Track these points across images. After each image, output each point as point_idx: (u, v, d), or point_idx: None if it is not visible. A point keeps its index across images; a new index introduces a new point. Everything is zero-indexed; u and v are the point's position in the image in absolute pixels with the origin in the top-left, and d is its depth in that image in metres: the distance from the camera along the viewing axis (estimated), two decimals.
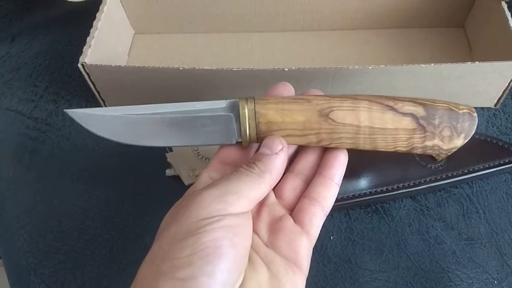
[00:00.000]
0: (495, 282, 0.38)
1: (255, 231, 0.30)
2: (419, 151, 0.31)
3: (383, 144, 0.31)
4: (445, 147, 0.31)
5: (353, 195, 0.41)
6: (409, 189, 0.41)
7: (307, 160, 0.32)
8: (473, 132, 0.31)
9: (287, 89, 0.33)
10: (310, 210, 0.30)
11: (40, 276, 0.41)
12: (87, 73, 0.45)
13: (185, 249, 0.24)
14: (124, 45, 0.55)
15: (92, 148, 0.48)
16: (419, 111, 0.30)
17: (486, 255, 0.39)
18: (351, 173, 0.41)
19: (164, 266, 0.24)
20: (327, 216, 0.42)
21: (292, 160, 0.33)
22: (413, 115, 0.30)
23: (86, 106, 0.51)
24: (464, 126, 0.31)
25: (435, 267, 0.39)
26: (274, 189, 0.32)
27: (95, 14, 0.48)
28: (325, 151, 0.32)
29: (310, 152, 0.33)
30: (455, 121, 0.31)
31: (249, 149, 0.33)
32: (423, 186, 0.41)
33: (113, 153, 0.47)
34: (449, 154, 0.32)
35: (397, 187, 0.41)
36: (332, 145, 0.31)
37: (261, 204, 0.31)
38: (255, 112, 0.30)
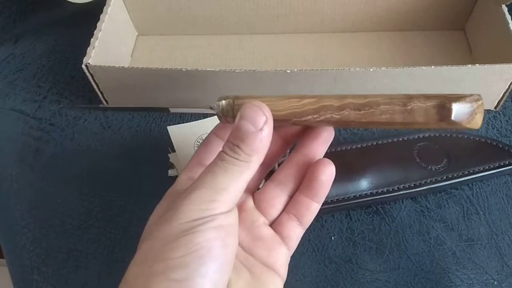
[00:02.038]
0: (495, 283, 0.38)
1: None
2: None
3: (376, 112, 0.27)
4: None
5: (354, 196, 0.41)
6: (410, 190, 0.41)
7: (289, 172, 0.31)
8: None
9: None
10: (289, 224, 0.30)
11: (43, 275, 0.41)
12: (91, 74, 0.45)
13: (178, 250, 0.24)
14: (128, 47, 0.55)
15: (95, 148, 0.48)
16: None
17: (486, 256, 0.39)
18: (352, 174, 0.42)
19: (157, 267, 0.24)
20: (328, 217, 0.42)
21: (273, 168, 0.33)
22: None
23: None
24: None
25: (435, 268, 0.39)
26: (253, 196, 0.31)
27: (99, 15, 0.48)
28: (309, 166, 0.30)
29: (292, 163, 0.31)
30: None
31: None
32: (424, 188, 0.41)
33: (116, 154, 0.47)
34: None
35: (397, 188, 0.41)
36: (317, 118, 0.28)
37: (240, 208, 0.31)
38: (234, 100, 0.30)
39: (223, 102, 0.30)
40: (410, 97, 0.27)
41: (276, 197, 0.31)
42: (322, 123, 0.28)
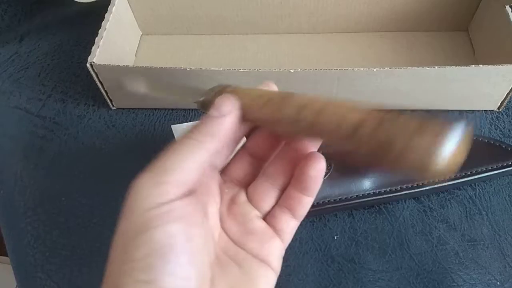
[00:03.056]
0: (498, 283, 0.38)
1: (225, 229, 0.28)
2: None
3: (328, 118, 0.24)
4: None
5: (356, 196, 0.41)
6: (413, 190, 0.41)
7: (279, 166, 0.30)
8: None
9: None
10: (282, 217, 0.29)
11: (47, 272, 0.42)
12: (95, 73, 0.45)
13: (140, 249, 0.23)
14: (132, 46, 0.55)
15: (99, 147, 0.48)
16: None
17: (489, 256, 0.39)
18: (355, 174, 0.42)
19: (125, 267, 0.23)
20: (331, 216, 0.42)
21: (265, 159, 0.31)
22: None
23: (93, 106, 0.51)
24: None
25: (438, 268, 0.39)
26: (246, 190, 0.30)
27: (103, 15, 0.48)
28: (301, 160, 0.28)
29: (283, 157, 0.30)
30: None
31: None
32: (427, 188, 0.41)
33: (119, 153, 0.47)
34: None
35: (400, 188, 0.41)
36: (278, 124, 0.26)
37: (232, 202, 0.30)
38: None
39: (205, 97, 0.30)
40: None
41: (267, 191, 0.30)
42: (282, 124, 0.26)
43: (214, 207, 0.28)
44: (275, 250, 0.28)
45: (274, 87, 0.30)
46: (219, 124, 0.26)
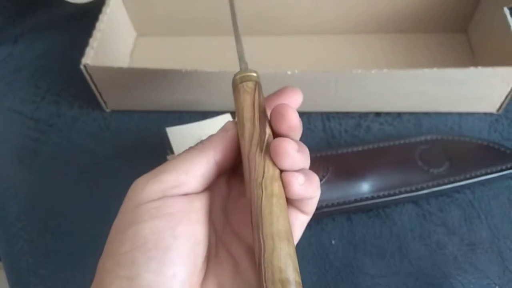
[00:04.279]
0: (497, 287, 0.38)
1: (231, 224, 0.27)
2: None
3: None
4: None
5: (354, 199, 0.41)
6: (411, 194, 0.41)
7: None
8: None
9: (296, 98, 0.29)
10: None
11: (40, 277, 0.41)
12: (89, 75, 0.45)
13: (125, 243, 0.23)
14: (127, 47, 0.55)
15: (93, 149, 0.47)
16: None
17: (488, 260, 0.39)
18: (353, 177, 0.41)
19: (108, 263, 0.23)
20: (329, 220, 0.42)
21: None
22: None
23: (87, 108, 0.51)
24: None
25: (436, 272, 0.39)
26: None
27: (98, 16, 0.48)
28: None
29: None
30: None
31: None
32: (425, 191, 0.41)
33: (114, 155, 0.47)
34: None
35: (399, 191, 0.41)
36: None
37: (239, 195, 0.28)
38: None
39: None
40: None
41: None
42: None
43: (218, 203, 0.28)
44: None
45: (299, 97, 0.30)
46: (221, 138, 0.27)
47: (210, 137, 0.27)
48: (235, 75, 0.28)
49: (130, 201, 0.24)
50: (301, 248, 0.40)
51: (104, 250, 0.24)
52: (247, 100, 0.27)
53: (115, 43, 0.51)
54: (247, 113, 0.27)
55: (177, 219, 0.24)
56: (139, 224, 0.23)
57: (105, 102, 0.49)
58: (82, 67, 0.44)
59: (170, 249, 0.23)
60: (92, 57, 0.44)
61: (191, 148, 0.26)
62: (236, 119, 0.28)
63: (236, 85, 0.28)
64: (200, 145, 0.27)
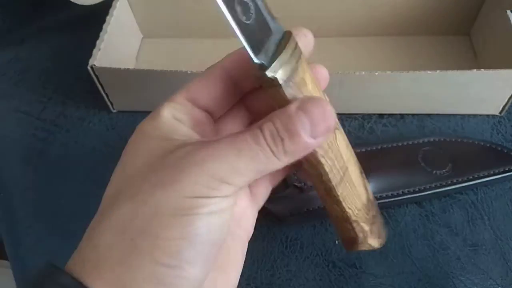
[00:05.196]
0: None
1: None
2: None
3: None
4: None
5: None
6: (415, 195, 0.41)
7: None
8: None
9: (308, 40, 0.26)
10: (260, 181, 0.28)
11: None
12: (96, 76, 0.45)
13: (173, 229, 0.20)
14: (133, 49, 0.55)
15: (99, 150, 0.48)
16: None
17: (491, 261, 0.39)
18: None
19: (143, 243, 0.20)
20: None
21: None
22: None
23: (94, 108, 0.51)
24: None
25: (439, 273, 0.39)
26: None
27: (104, 18, 0.48)
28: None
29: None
30: None
31: (228, 98, 0.26)
32: (428, 192, 0.41)
33: (119, 155, 0.47)
34: None
35: (402, 192, 0.41)
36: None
37: None
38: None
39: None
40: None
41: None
42: None
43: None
44: (248, 212, 0.28)
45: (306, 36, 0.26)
46: (306, 149, 0.23)
47: (297, 146, 0.22)
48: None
49: (189, 187, 0.21)
50: (304, 248, 0.41)
51: (127, 220, 0.21)
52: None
53: (121, 45, 0.51)
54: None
55: (226, 217, 0.22)
56: (194, 215, 0.21)
57: (111, 103, 0.50)
58: (89, 68, 0.44)
59: (215, 245, 0.22)
60: (98, 59, 0.45)
61: (270, 153, 0.22)
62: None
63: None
64: (284, 153, 0.22)
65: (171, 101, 0.25)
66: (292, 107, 0.22)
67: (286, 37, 0.23)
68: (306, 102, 0.22)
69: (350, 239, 0.30)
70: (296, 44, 0.23)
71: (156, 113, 0.24)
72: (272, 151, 0.22)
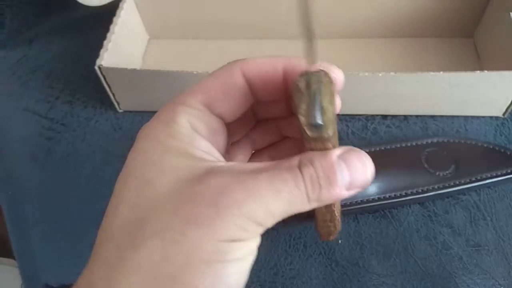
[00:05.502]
0: None
1: None
2: None
3: None
4: None
5: (361, 201, 0.41)
6: (417, 196, 0.41)
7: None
8: None
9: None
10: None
11: (54, 275, 0.42)
12: (103, 76, 0.46)
13: (206, 278, 0.19)
14: (139, 50, 0.56)
15: (106, 149, 0.48)
16: None
17: (493, 261, 0.40)
18: None
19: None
20: None
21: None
22: None
23: (100, 108, 0.52)
24: None
25: (442, 272, 0.39)
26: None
27: (111, 18, 0.49)
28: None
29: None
30: None
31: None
32: (431, 193, 0.41)
33: (126, 155, 0.47)
34: None
35: (405, 193, 0.42)
36: None
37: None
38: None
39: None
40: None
41: None
42: None
43: None
44: None
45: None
46: (338, 199, 0.22)
47: (331, 195, 0.21)
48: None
49: (225, 229, 0.19)
50: (308, 247, 0.41)
51: (154, 265, 0.19)
52: None
53: (128, 46, 0.52)
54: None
55: (251, 260, 0.21)
56: (227, 262, 0.19)
57: (118, 103, 0.50)
58: (96, 68, 0.45)
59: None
60: (106, 59, 0.45)
61: (306, 197, 0.21)
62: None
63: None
64: (314, 197, 0.21)
65: (185, 105, 0.22)
66: (334, 156, 0.21)
67: (325, 80, 0.22)
68: (348, 153, 0.21)
69: (328, 233, 0.32)
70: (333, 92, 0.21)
71: (170, 118, 0.22)
72: (308, 197, 0.20)
